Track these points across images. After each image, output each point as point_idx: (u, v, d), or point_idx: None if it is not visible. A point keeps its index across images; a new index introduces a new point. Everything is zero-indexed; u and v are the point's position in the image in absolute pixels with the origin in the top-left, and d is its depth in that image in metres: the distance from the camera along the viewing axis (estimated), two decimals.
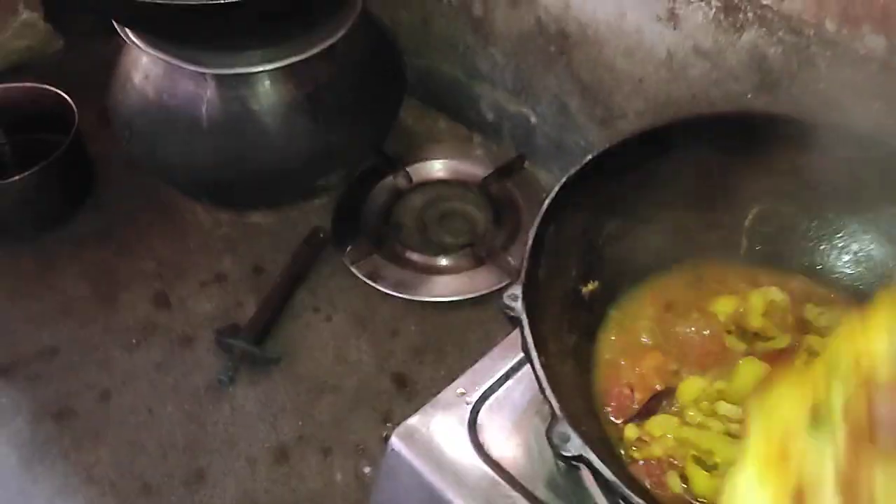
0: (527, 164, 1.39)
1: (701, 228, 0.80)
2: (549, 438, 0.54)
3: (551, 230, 0.69)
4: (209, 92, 1.13)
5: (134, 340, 1.18)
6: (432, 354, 1.15)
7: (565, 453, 0.54)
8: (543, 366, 0.58)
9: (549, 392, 0.56)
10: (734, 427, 0.64)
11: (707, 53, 1.02)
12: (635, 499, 0.51)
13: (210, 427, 1.07)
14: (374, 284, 1.22)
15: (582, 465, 0.56)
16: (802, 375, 0.51)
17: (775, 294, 0.75)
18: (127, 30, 1.17)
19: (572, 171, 0.71)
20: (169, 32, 1.10)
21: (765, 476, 0.48)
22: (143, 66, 1.18)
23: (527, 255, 0.64)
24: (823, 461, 0.45)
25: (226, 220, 1.36)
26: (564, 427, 0.54)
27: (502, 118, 1.43)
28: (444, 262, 1.26)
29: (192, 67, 1.11)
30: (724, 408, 0.66)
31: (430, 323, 1.19)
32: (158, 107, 1.17)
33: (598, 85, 1.20)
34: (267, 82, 1.14)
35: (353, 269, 1.24)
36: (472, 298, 1.19)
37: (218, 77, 1.12)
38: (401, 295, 1.21)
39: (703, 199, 0.79)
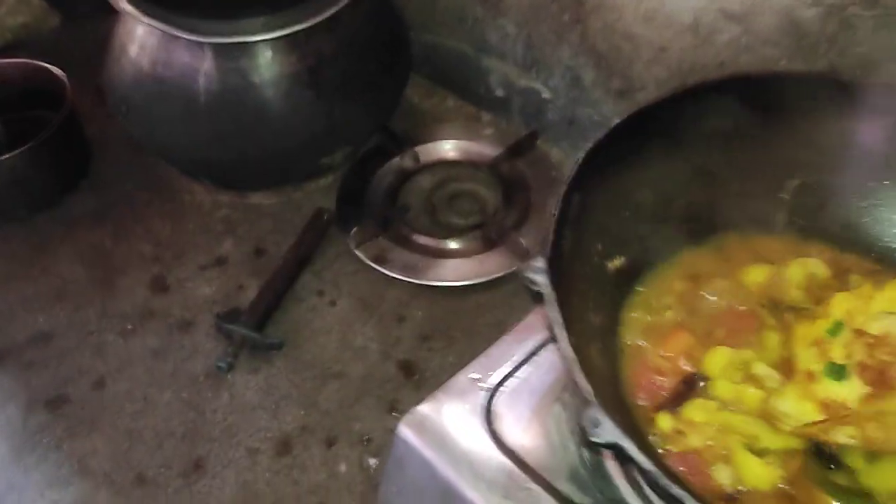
0: (538, 141, 1.33)
1: (735, 200, 0.74)
2: (579, 424, 0.49)
3: (576, 200, 0.63)
4: (206, 63, 1.08)
5: (130, 326, 1.13)
6: (441, 341, 1.09)
7: (596, 440, 0.48)
8: (573, 345, 0.52)
9: (578, 373, 0.50)
10: (774, 399, 0.59)
11: (737, 17, 0.95)
12: (676, 489, 0.46)
13: (209, 415, 1.02)
14: (380, 268, 1.16)
15: (609, 456, 0.51)
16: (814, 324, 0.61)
17: (815, 266, 0.69)
18: None
19: (600, 135, 0.65)
20: None
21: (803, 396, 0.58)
22: (139, 36, 1.12)
23: (553, 222, 0.59)
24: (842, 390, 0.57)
25: (226, 201, 1.30)
26: (597, 412, 0.48)
27: (512, 94, 1.37)
28: (452, 244, 1.20)
29: (189, 36, 1.05)
30: (760, 368, 0.60)
31: (439, 308, 1.13)
32: (154, 79, 1.11)
33: (616, 54, 1.14)
34: (267, 53, 1.08)
35: (359, 253, 1.18)
36: (482, 283, 1.13)
37: (216, 47, 1.06)
38: (408, 279, 1.15)
39: (738, 168, 0.73)
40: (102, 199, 1.31)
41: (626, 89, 1.16)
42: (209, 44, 1.06)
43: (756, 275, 0.70)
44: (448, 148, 1.35)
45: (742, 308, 0.67)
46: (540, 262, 0.56)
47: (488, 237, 1.20)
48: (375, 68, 1.18)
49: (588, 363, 0.56)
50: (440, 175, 1.32)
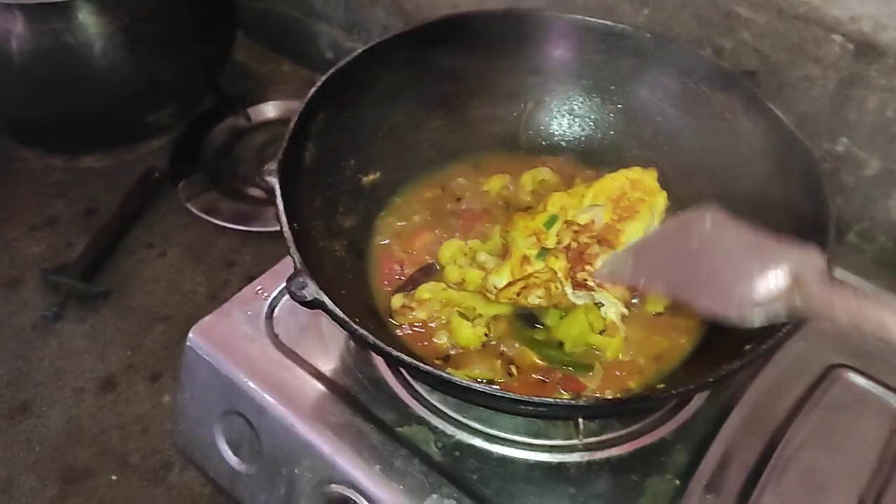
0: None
1: (482, 124, 0.85)
2: (287, 288, 0.58)
3: (321, 118, 0.72)
4: (18, 25, 1.10)
5: None
6: None
7: (303, 300, 0.57)
8: (293, 229, 0.61)
9: (291, 246, 0.59)
10: (491, 277, 0.70)
11: None
12: (360, 331, 0.56)
13: (35, 362, 1.06)
14: (209, 218, 1.23)
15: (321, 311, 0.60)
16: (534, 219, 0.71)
17: (545, 174, 0.82)
18: None
19: (341, 62, 0.75)
20: None
21: (513, 273, 0.69)
22: None
23: (288, 134, 0.68)
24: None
25: (58, 165, 1.33)
26: (302, 276, 0.58)
27: (341, 55, 1.43)
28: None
29: None
30: (482, 256, 0.72)
31: (267, 252, 1.21)
32: None
33: (419, 13, 1.24)
34: (80, 13, 1.12)
35: (189, 206, 1.24)
36: None
37: (26, 8, 1.09)
38: (238, 227, 1.22)
39: (477, 96, 0.84)
40: None
41: None
42: (19, 5, 1.09)
43: (496, 183, 0.82)
44: (279, 108, 1.43)
45: (479, 209, 0.79)
46: (272, 165, 0.65)
47: None
48: (194, 28, 1.24)
49: (318, 250, 0.66)
50: (272, 132, 1.39)
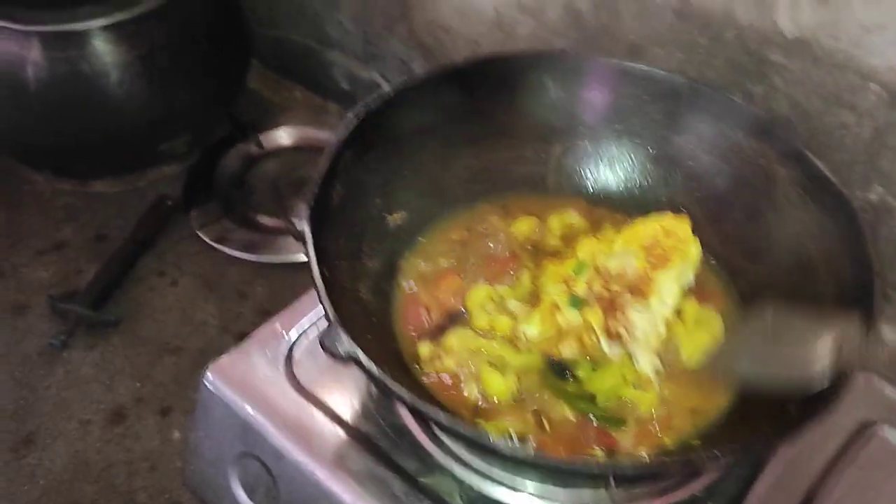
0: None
1: (507, 163, 0.84)
2: (321, 342, 0.56)
3: (349, 156, 0.71)
4: (34, 52, 1.09)
5: None
6: None
7: (336, 354, 0.56)
8: (324, 276, 0.59)
9: (324, 297, 0.58)
10: (521, 325, 0.69)
11: (531, 10, 1.06)
12: (396, 387, 0.54)
13: (42, 392, 1.03)
14: (221, 247, 1.21)
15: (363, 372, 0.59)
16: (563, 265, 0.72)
17: (573, 217, 0.80)
18: None
19: (372, 102, 0.73)
20: None
21: (544, 322, 0.69)
22: None
23: (318, 176, 0.66)
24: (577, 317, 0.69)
25: (68, 189, 1.31)
26: (335, 330, 0.56)
27: (356, 86, 1.45)
28: (295, 224, 1.26)
29: (15, 26, 1.07)
30: (511, 304, 0.70)
31: (280, 283, 1.19)
32: None
33: (439, 47, 1.24)
34: (96, 41, 1.11)
35: (201, 234, 1.22)
36: None
37: (43, 36, 1.09)
38: (250, 257, 1.20)
39: (507, 136, 0.83)
40: None
41: None
42: (35, 33, 1.08)
43: (524, 225, 0.80)
44: (292, 135, 1.41)
45: (507, 253, 0.77)
46: (304, 209, 0.63)
47: None
48: (210, 57, 1.23)
49: (346, 294, 0.64)
50: (285, 161, 1.38)
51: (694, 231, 0.80)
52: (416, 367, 0.69)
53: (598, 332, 0.67)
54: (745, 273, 0.76)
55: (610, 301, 0.69)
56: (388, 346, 0.69)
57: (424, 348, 0.69)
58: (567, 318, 0.69)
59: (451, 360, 0.68)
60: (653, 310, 0.68)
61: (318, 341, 0.78)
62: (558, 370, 0.68)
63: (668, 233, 0.71)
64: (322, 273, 0.59)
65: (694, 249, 0.71)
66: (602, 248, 0.73)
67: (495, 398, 0.66)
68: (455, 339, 0.69)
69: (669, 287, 0.69)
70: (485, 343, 0.68)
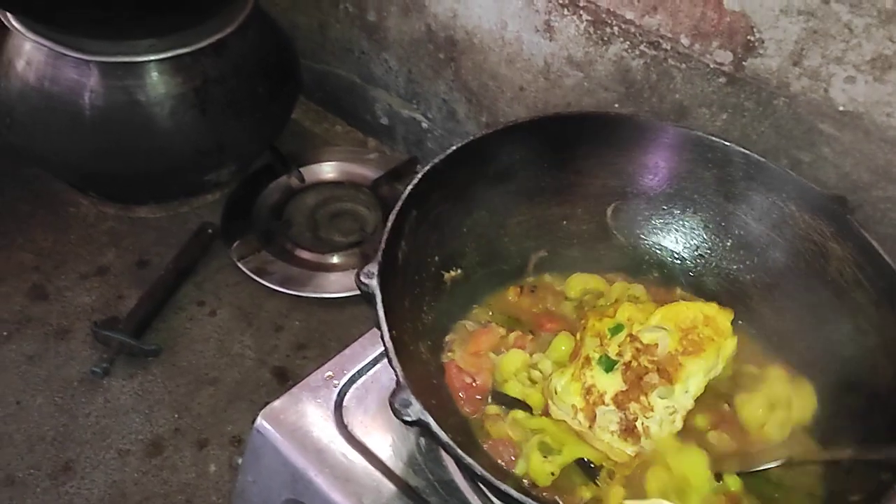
0: (418, 167, 1.43)
1: (560, 220, 0.85)
2: (391, 404, 0.57)
3: (413, 215, 0.72)
4: (92, 80, 1.12)
5: (5, 332, 1.14)
6: (315, 349, 1.16)
7: (406, 418, 0.56)
8: (392, 337, 0.60)
9: (394, 360, 0.58)
10: (554, 380, 0.70)
11: (580, 64, 1.08)
12: (468, 459, 0.55)
13: (81, 419, 1.05)
14: (260, 280, 1.23)
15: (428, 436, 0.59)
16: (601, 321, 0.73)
17: (637, 289, 0.81)
18: (9, 15, 1.15)
19: (437, 159, 0.75)
20: (51, 17, 1.08)
21: (573, 379, 0.70)
22: (26, 52, 1.16)
23: (386, 234, 0.67)
24: (606, 381, 0.69)
25: (112, 213, 1.33)
26: (406, 393, 0.57)
27: (396, 122, 1.47)
28: (332, 259, 1.28)
29: (76, 54, 1.10)
30: (544, 363, 0.72)
31: (316, 318, 1.20)
32: (40, 94, 1.14)
33: (484, 92, 1.26)
34: (153, 73, 1.13)
35: (241, 265, 1.24)
36: (358, 295, 1.20)
37: (102, 65, 1.11)
38: (288, 291, 1.22)
39: (562, 193, 0.84)
40: None
41: (492, 123, 1.27)
42: (96, 62, 1.11)
43: (576, 284, 0.82)
44: (332, 169, 1.44)
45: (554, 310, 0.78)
46: (373, 268, 0.65)
47: (366, 253, 1.28)
48: (261, 92, 1.25)
49: (412, 357, 0.65)
50: (324, 194, 1.40)
51: (740, 297, 0.81)
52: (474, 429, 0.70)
53: (610, 402, 0.68)
54: (794, 347, 0.76)
55: (637, 377, 0.69)
56: (447, 407, 0.70)
57: (492, 409, 0.70)
58: (594, 379, 0.69)
59: (512, 431, 0.69)
60: (675, 398, 0.68)
61: (366, 388, 0.82)
62: (587, 470, 0.69)
63: (709, 321, 0.72)
64: (391, 334, 0.60)
65: (730, 345, 0.72)
66: (639, 318, 0.73)
67: (534, 480, 0.67)
68: (521, 414, 0.70)
69: (696, 377, 0.69)
70: (550, 425, 0.69)
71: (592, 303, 0.80)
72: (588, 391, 0.68)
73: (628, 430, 0.68)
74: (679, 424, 0.69)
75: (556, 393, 0.69)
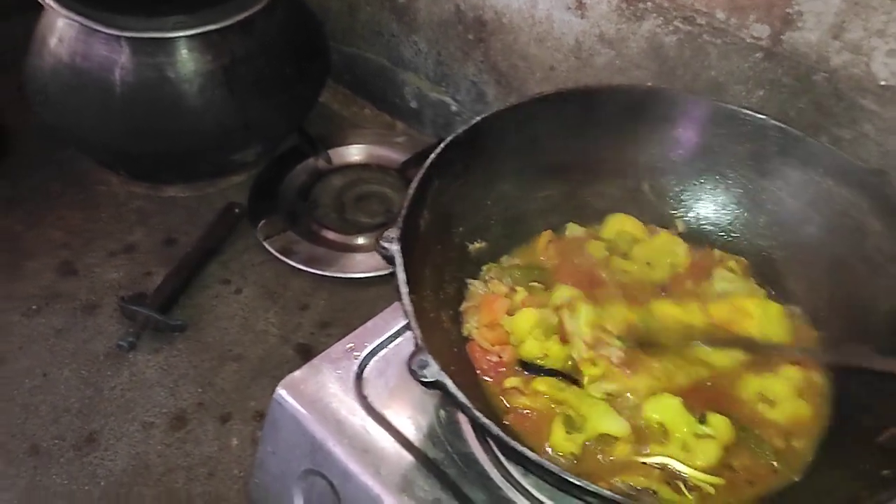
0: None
1: (587, 197, 0.84)
2: (408, 366, 0.56)
3: (436, 185, 0.71)
4: (123, 57, 1.13)
5: (35, 306, 1.16)
6: (339, 327, 1.15)
7: (423, 379, 0.55)
8: (412, 300, 0.59)
9: (413, 322, 0.57)
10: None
11: (611, 41, 1.06)
12: (483, 419, 0.53)
13: (107, 392, 1.05)
14: (286, 259, 1.22)
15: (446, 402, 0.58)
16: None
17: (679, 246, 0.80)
18: None
19: (460, 130, 0.74)
20: None
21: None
22: (59, 28, 1.17)
23: (408, 201, 0.67)
24: None
25: (140, 192, 1.34)
26: (424, 354, 0.56)
27: (424, 105, 1.46)
28: (358, 240, 1.27)
29: (107, 30, 1.11)
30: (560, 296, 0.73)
31: (340, 298, 1.20)
32: (72, 70, 1.15)
33: (513, 72, 1.24)
34: (183, 50, 1.14)
35: (266, 244, 1.24)
36: (382, 275, 1.20)
37: (132, 41, 1.12)
38: (313, 270, 1.22)
39: (590, 169, 0.83)
40: (16, 187, 1.33)
41: None
42: (126, 38, 1.12)
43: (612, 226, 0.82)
44: (360, 152, 1.43)
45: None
46: (393, 233, 0.64)
47: None
48: (289, 72, 1.25)
49: (430, 321, 0.64)
50: (351, 177, 1.39)
51: (772, 275, 0.79)
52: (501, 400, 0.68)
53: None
54: (830, 324, 0.74)
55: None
56: (469, 377, 0.69)
57: (511, 381, 0.69)
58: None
59: (534, 402, 0.67)
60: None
61: (386, 361, 0.81)
62: None
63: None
64: (411, 297, 0.59)
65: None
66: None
67: (559, 454, 0.65)
68: (544, 384, 0.68)
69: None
70: (573, 398, 0.67)
71: (624, 249, 0.79)
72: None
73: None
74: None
75: (572, 334, 0.68)
